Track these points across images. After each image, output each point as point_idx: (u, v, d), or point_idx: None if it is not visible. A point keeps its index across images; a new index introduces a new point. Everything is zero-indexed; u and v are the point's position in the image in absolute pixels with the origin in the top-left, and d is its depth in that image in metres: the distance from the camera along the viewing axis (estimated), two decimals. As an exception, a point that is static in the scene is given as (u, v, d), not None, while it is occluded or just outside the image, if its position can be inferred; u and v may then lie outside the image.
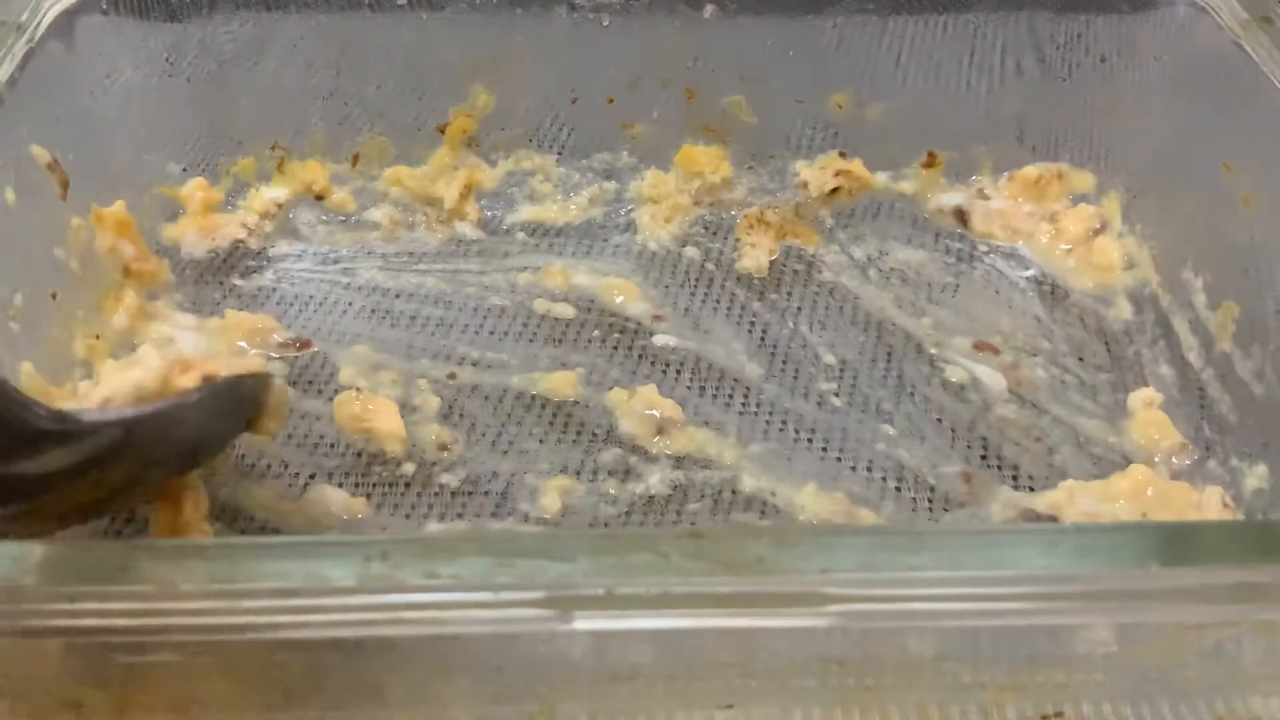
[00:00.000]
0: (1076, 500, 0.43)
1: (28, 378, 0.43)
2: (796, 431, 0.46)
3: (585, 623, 0.28)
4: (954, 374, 0.49)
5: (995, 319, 0.51)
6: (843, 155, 0.56)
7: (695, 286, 0.53)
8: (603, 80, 0.55)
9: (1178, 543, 0.30)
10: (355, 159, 0.56)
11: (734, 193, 0.57)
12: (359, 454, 0.46)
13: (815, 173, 0.56)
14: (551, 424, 0.47)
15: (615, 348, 0.50)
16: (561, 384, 0.48)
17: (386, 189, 0.56)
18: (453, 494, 0.44)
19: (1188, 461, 0.45)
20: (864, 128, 0.55)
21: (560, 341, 0.50)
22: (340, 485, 0.44)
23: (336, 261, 0.54)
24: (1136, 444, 0.46)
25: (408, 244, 0.55)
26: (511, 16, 0.53)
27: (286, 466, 0.45)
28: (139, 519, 0.43)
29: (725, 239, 0.56)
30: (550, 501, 0.44)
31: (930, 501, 0.44)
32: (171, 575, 0.28)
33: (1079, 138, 0.55)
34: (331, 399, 0.47)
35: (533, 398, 0.48)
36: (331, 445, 0.46)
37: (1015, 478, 0.45)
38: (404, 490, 0.44)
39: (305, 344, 0.50)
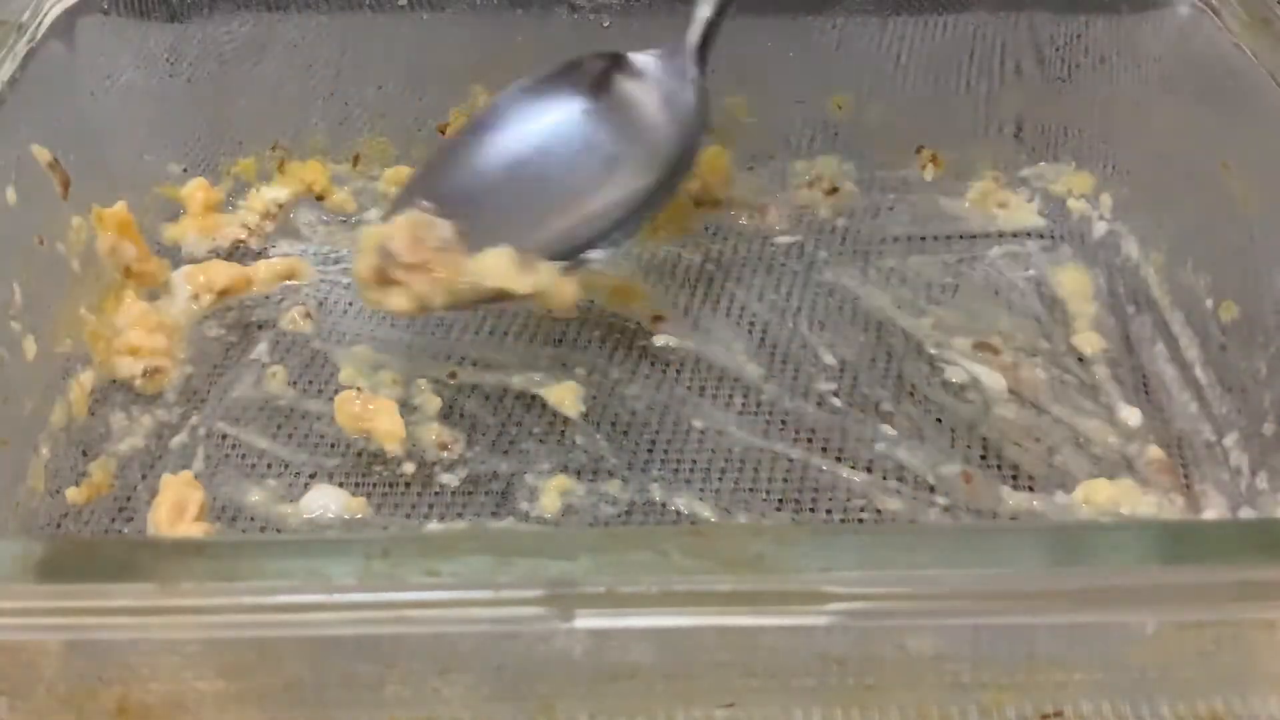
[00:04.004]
0: (1078, 500, 0.43)
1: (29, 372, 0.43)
2: (796, 431, 0.47)
3: (586, 621, 0.28)
4: (954, 374, 0.49)
5: (995, 319, 0.51)
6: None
7: (695, 286, 0.53)
8: (603, 80, 0.55)
9: (1177, 542, 0.30)
10: (356, 159, 0.56)
11: (734, 193, 0.57)
12: (359, 454, 0.46)
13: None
14: (551, 424, 0.47)
15: (615, 348, 0.50)
16: (564, 396, 0.48)
17: (387, 189, 0.56)
18: (453, 494, 0.44)
19: (1186, 462, 0.45)
20: (864, 128, 0.56)
21: (560, 341, 0.50)
22: (340, 485, 0.44)
23: (337, 261, 0.54)
24: (1135, 444, 0.46)
25: (408, 244, 0.55)
26: (511, 16, 0.54)
27: (287, 466, 0.45)
28: (139, 518, 0.43)
29: (725, 239, 0.56)
30: (550, 501, 0.44)
31: (930, 502, 0.44)
32: (172, 573, 0.28)
33: (1079, 138, 0.55)
34: (331, 399, 0.47)
35: (533, 398, 0.48)
36: (331, 445, 0.46)
37: (1015, 478, 0.45)
38: (404, 490, 0.44)
39: None
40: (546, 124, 0.50)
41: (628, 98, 0.50)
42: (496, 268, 0.45)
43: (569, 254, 0.47)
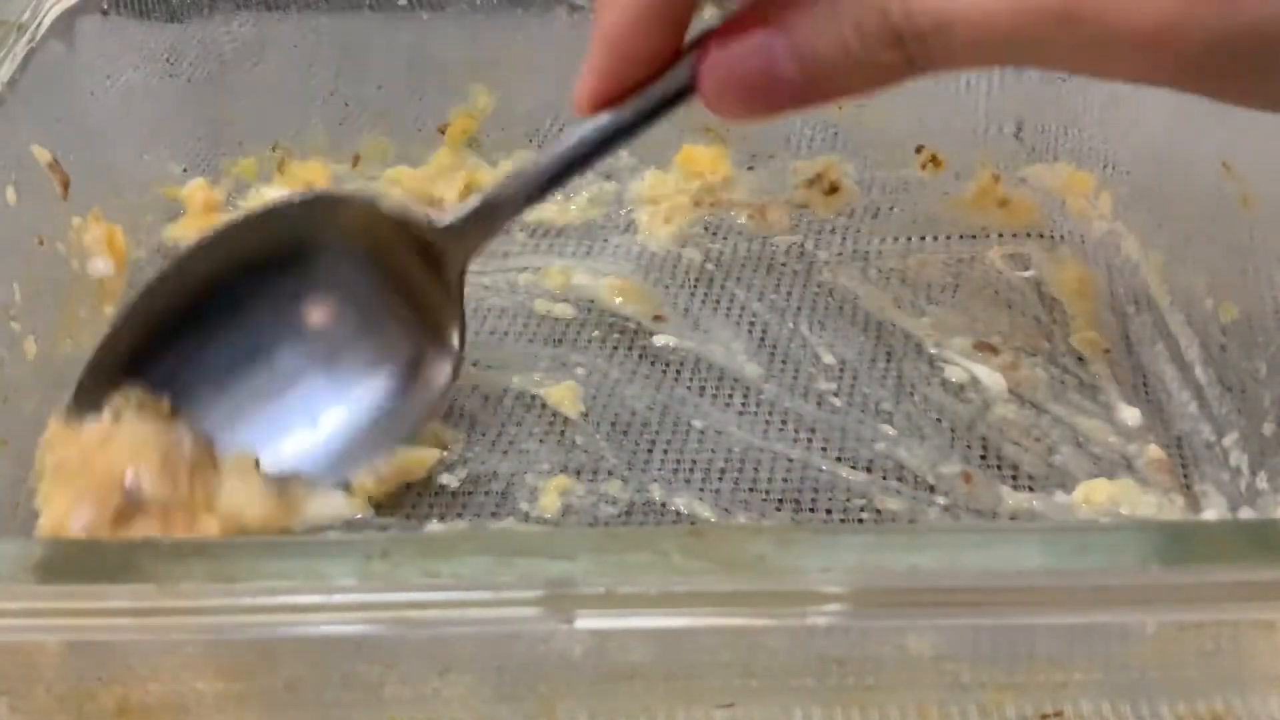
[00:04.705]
0: (1078, 499, 0.43)
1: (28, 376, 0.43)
2: (796, 431, 0.47)
3: (585, 621, 0.28)
4: (954, 374, 0.49)
5: (995, 319, 0.51)
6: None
7: (695, 286, 0.53)
8: (603, 80, 0.55)
9: (1178, 542, 0.30)
10: (356, 159, 0.56)
11: (734, 193, 0.57)
12: (359, 454, 0.46)
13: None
14: (551, 424, 0.47)
15: (615, 348, 0.50)
16: (564, 396, 0.48)
17: (387, 189, 0.56)
18: (453, 494, 0.44)
19: (1186, 462, 0.45)
20: (864, 128, 0.55)
21: (560, 341, 0.50)
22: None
23: (336, 261, 0.54)
24: (1135, 444, 0.46)
25: (408, 244, 0.55)
26: (511, 16, 0.54)
27: (287, 466, 0.45)
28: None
29: (725, 239, 0.56)
30: (550, 501, 0.44)
31: (930, 502, 0.44)
32: (172, 574, 0.28)
33: (1079, 138, 0.55)
34: (331, 399, 0.47)
35: (533, 398, 0.48)
36: (331, 445, 0.46)
37: (1015, 478, 0.45)
38: (404, 490, 0.44)
39: None
40: (293, 296, 0.42)
41: (388, 284, 0.42)
42: (249, 504, 0.39)
43: (318, 469, 0.42)
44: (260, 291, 0.42)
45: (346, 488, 0.42)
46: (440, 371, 0.42)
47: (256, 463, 0.40)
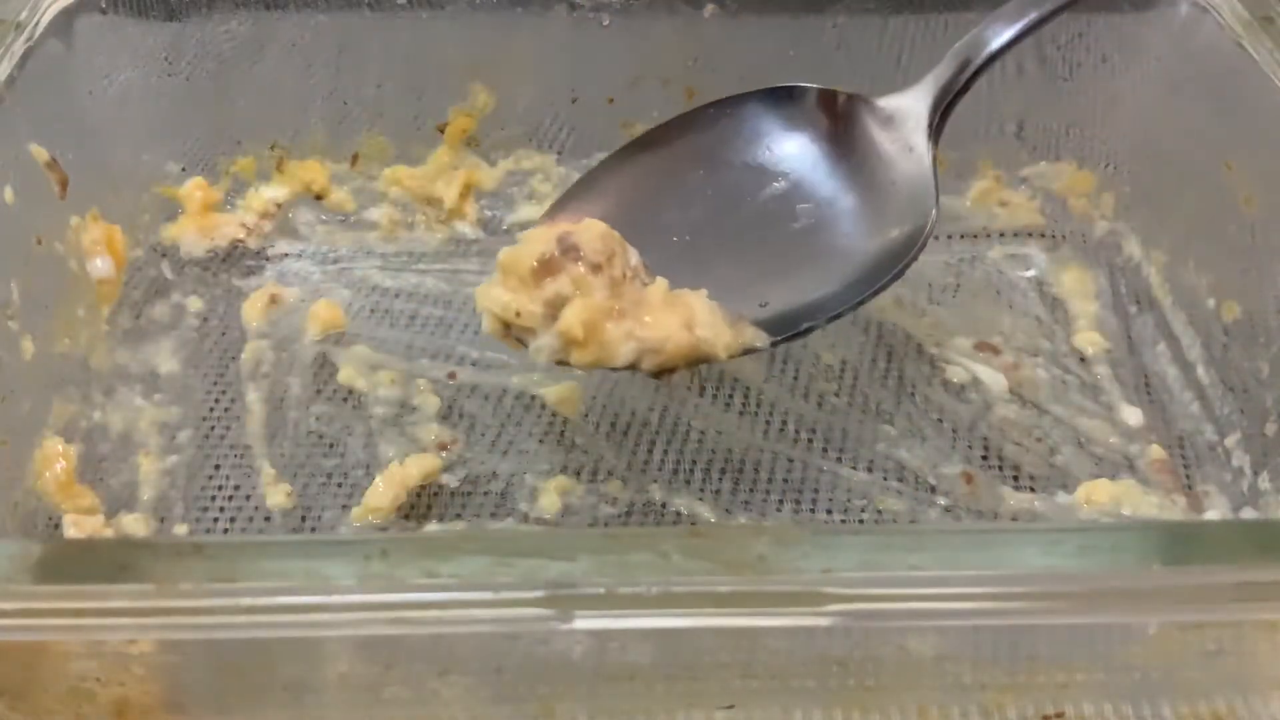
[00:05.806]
0: (1079, 500, 0.43)
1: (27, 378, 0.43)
2: (796, 431, 0.46)
3: (585, 622, 0.28)
4: (955, 374, 0.49)
5: (996, 319, 0.51)
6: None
7: (695, 286, 0.53)
8: (603, 80, 0.55)
9: (1179, 543, 0.30)
10: (355, 159, 0.56)
11: (734, 192, 0.56)
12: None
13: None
14: (551, 424, 0.47)
15: (615, 347, 0.50)
16: (564, 396, 0.47)
17: (386, 189, 0.56)
18: (452, 494, 0.44)
19: (1188, 463, 0.45)
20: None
21: (560, 341, 0.50)
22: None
23: (336, 261, 0.54)
24: (1137, 444, 0.46)
25: (407, 244, 0.55)
26: (511, 16, 0.53)
27: (286, 466, 0.45)
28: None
29: (725, 239, 0.55)
30: (550, 502, 0.44)
31: (931, 502, 0.44)
32: (171, 574, 0.28)
33: (1080, 137, 0.55)
34: (331, 398, 0.47)
35: (532, 398, 0.48)
36: (331, 445, 0.46)
37: (1016, 478, 0.45)
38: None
39: None
40: (757, 159, 0.43)
41: (852, 147, 0.43)
42: (703, 317, 0.38)
43: (774, 327, 0.40)
44: (729, 168, 0.43)
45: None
46: (912, 232, 0.41)
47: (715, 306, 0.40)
